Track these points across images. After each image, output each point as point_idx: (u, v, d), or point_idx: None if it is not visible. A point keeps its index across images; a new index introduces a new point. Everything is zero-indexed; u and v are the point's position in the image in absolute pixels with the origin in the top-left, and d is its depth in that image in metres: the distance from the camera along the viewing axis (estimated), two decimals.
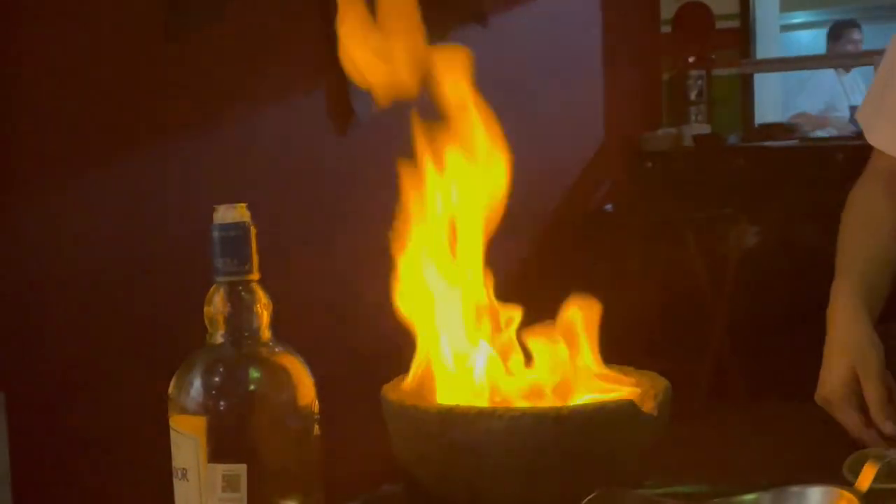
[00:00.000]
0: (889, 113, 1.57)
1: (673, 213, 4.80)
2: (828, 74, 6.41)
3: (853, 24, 6.47)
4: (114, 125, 3.00)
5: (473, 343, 1.11)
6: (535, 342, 1.12)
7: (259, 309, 0.94)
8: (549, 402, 1.08)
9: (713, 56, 5.71)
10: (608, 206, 5.29)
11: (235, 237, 0.93)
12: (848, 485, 1.02)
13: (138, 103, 3.05)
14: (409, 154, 1.13)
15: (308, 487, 0.95)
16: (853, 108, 5.31)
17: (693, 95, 5.65)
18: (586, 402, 1.06)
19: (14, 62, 2.81)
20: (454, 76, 1.11)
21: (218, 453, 0.91)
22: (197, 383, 0.93)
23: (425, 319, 1.10)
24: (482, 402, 1.07)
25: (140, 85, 3.06)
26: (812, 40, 7.27)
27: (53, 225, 2.89)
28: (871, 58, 5.44)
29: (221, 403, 0.92)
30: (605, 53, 5.36)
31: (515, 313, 1.13)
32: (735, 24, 5.90)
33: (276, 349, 0.95)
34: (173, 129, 3.16)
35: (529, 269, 4.16)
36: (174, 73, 3.15)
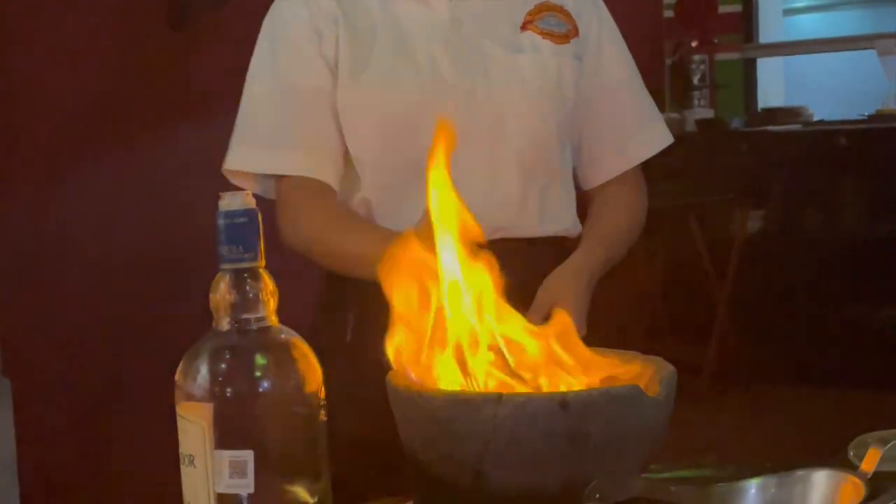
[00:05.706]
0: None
1: (676, 198, 4.80)
2: None
3: None
4: (116, 114, 3.00)
5: (476, 327, 1.11)
6: (536, 328, 1.12)
7: (265, 296, 0.94)
8: (554, 387, 1.08)
9: (716, 40, 5.70)
10: None
11: (240, 224, 0.94)
12: (853, 468, 1.02)
13: (141, 92, 3.05)
14: None
15: (314, 473, 0.95)
16: None
17: (696, 80, 5.64)
18: (592, 388, 1.07)
19: (15, 51, 2.81)
20: None
21: (225, 440, 0.91)
22: (203, 370, 0.93)
23: (421, 304, 1.09)
24: (487, 387, 1.07)
25: (143, 74, 3.06)
26: (815, 24, 7.24)
27: (57, 214, 2.89)
28: (871, 41, 5.43)
29: (228, 390, 0.92)
30: None
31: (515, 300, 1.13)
32: (738, 8, 5.89)
33: (283, 336, 0.96)
34: (177, 117, 3.15)
35: None
36: (178, 61, 3.14)
